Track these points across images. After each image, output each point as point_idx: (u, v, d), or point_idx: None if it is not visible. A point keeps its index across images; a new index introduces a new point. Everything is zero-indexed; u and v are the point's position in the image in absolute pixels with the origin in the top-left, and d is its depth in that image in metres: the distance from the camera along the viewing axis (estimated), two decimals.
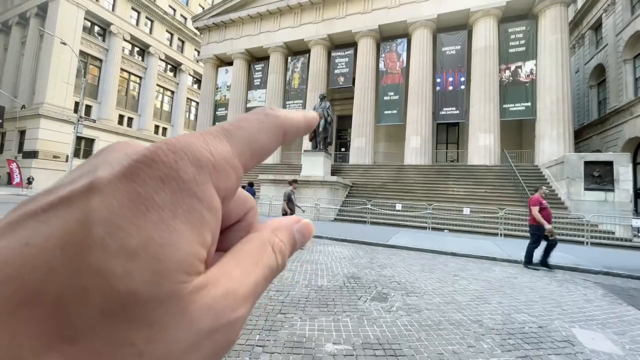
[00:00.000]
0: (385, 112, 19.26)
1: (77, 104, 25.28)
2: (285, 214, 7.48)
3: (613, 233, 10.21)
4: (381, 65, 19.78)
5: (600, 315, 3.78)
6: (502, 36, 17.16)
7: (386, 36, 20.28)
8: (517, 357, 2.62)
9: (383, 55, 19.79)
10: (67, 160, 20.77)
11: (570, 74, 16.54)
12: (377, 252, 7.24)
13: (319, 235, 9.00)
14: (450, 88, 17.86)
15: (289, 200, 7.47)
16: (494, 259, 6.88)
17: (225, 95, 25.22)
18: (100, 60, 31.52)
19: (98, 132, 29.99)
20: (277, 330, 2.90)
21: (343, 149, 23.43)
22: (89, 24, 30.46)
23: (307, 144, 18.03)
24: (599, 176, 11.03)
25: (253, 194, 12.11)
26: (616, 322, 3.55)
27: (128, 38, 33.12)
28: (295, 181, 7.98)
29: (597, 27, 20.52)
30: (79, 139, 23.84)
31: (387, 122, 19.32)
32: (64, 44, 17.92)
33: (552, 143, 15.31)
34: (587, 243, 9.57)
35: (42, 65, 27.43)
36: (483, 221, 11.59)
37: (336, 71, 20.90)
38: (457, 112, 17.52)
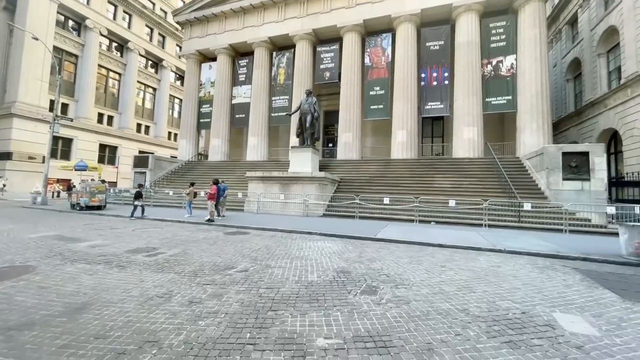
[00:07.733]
0: (372, 106, 19.35)
1: (52, 102, 24.18)
2: None
3: (589, 220, 10.66)
4: (367, 60, 19.81)
5: (578, 299, 3.96)
6: (484, 31, 17.49)
7: (371, 31, 20.30)
8: (501, 342, 2.71)
9: (368, 50, 19.81)
10: (43, 161, 19.85)
11: (548, 68, 17.05)
12: (366, 246, 7.32)
13: (309, 231, 9.02)
14: (435, 83, 18.10)
15: None
16: (479, 249, 7.07)
17: (209, 92, 24.67)
18: (76, 57, 30.19)
19: (76, 131, 28.83)
20: (267, 327, 2.89)
21: (330, 145, 23.40)
22: (62, 17, 29.04)
23: (294, 140, 17.92)
24: (576, 166, 11.47)
25: (221, 190, 12.03)
26: (593, 305, 3.72)
27: (105, 33, 31.82)
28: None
29: (573, 22, 21.17)
30: (55, 138, 22.85)
31: (373, 116, 19.42)
32: (36, 39, 17.00)
33: (532, 135, 15.80)
34: (565, 231, 9.96)
35: (13, 61, 26.03)
36: (468, 212, 11.87)
37: (322, 66, 20.79)
38: (442, 106, 17.81)
